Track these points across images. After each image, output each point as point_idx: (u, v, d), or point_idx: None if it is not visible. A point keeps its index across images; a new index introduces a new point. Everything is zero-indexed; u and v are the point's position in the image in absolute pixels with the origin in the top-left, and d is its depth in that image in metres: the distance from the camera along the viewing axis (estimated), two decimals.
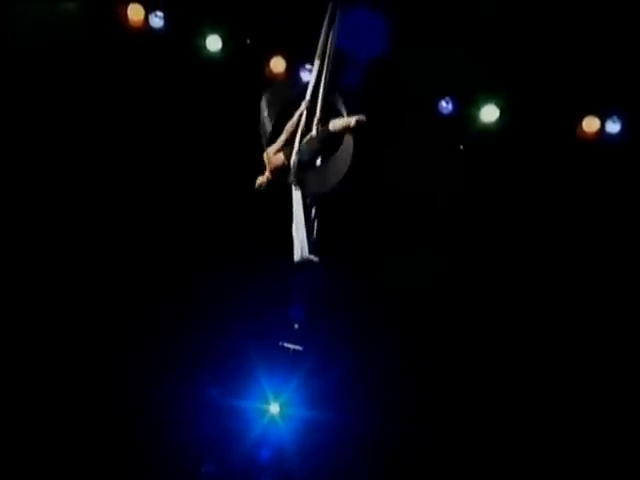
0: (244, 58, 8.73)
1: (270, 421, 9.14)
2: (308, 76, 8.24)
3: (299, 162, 6.05)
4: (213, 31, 8.66)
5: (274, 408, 9.15)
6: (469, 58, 8.46)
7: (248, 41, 8.70)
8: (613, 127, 8.58)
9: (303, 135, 6.14)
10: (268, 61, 8.70)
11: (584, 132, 8.66)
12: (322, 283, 8.34)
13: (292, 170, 6.07)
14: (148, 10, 8.51)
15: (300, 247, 5.97)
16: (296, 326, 9.22)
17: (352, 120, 6.01)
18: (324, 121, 6.16)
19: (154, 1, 8.51)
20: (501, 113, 8.78)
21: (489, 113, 8.80)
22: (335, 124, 6.09)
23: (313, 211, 6.10)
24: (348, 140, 6.19)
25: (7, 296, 8.77)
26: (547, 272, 9.16)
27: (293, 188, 6.09)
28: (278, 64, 8.69)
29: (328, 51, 6.15)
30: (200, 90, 8.83)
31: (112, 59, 8.60)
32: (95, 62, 8.58)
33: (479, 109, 8.82)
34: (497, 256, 9.21)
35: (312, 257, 5.94)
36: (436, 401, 9.22)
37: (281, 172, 6.20)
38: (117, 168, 8.97)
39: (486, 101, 8.79)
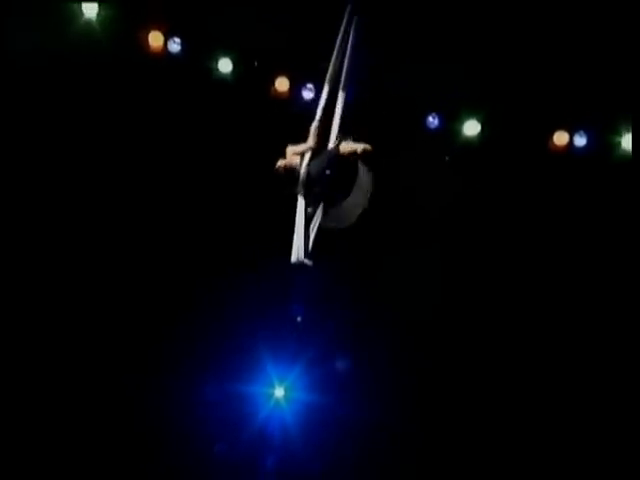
0: (252, 78, 9.02)
1: (276, 404, 9.42)
2: (309, 94, 8.82)
3: (307, 176, 6.00)
4: (224, 55, 8.93)
5: (279, 392, 9.44)
6: (454, 79, 8.74)
7: (256, 63, 9.00)
8: (580, 141, 8.91)
9: (315, 151, 6.09)
10: (273, 81, 9.00)
11: (555, 145, 8.97)
12: (323, 282, 8.74)
13: (300, 181, 6.04)
14: (167, 37, 8.75)
15: (297, 251, 6.03)
16: (299, 319, 9.49)
17: (359, 147, 5.95)
18: (339, 141, 6.02)
19: (172, 29, 8.75)
20: (482, 128, 9.10)
21: (471, 128, 9.11)
22: (345, 147, 6.01)
23: (313, 221, 6.04)
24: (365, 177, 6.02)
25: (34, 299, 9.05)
26: (529, 269, 9.40)
27: (299, 197, 6.08)
28: (282, 84, 8.99)
29: (343, 76, 6.09)
30: (213, 107, 9.07)
31: (135, 81, 8.86)
32: (120, 83, 8.85)
33: (462, 124, 9.12)
34: (487, 255, 9.45)
35: (306, 261, 6.02)
36: (430, 388, 9.43)
37: (293, 172, 6.15)
38: (135, 176, 9.20)
39: (468, 117, 9.10)
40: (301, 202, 6.07)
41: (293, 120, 7.95)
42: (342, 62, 6.12)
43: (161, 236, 9.34)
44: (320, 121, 6.11)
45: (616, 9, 8.33)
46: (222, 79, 9.03)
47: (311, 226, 6.04)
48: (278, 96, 9.05)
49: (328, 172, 5.95)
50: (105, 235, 9.20)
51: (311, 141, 6.10)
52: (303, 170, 6.05)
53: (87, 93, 8.92)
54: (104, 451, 8.99)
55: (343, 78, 6.11)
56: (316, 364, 9.41)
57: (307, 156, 6.07)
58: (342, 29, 6.13)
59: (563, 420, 9.29)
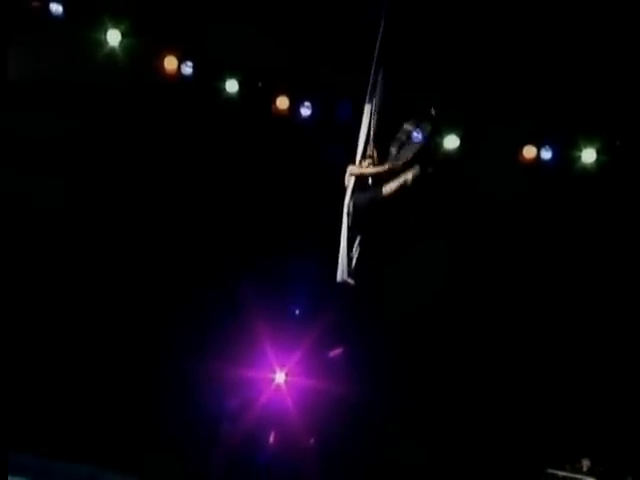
0: (256, 97, 9.67)
1: (276, 387, 10.01)
2: (306, 111, 9.54)
3: (353, 207, 6.40)
4: (231, 77, 9.63)
5: (280, 377, 10.03)
6: (435, 99, 8.88)
7: (259, 84, 9.68)
8: (546, 154, 9.57)
9: (357, 183, 6.48)
10: (275, 99, 9.68)
11: (524, 157, 9.61)
12: (320, 280, 8.86)
13: (346, 211, 6.41)
14: (181, 61, 9.48)
15: (341, 271, 6.43)
16: (297, 312, 10.17)
17: (402, 179, 6.46)
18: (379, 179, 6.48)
19: (185, 54, 9.47)
20: (461, 142, 9.68)
21: (451, 142, 9.70)
22: (387, 187, 6.46)
23: (355, 245, 6.44)
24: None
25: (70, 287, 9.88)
26: (502, 267, 10.07)
27: (344, 224, 6.47)
28: (283, 102, 9.70)
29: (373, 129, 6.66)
30: (221, 122, 9.83)
31: (153, 99, 9.63)
32: (140, 101, 9.65)
33: (444, 139, 9.69)
34: (465, 256, 10.06)
35: (349, 280, 6.45)
36: (419, 375, 10.01)
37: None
38: (156, 184, 9.95)
39: (449, 132, 9.67)
40: (345, 228, 6.53)
41: (292, 134, 9.30)
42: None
43: (174, 241, 10.09)
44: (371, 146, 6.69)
45: (581, 38, 9.11)
46: (229, 98, 9.72)
47: (353, 250, 6.46)
48: (279, 113, 9.75)
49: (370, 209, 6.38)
50: (132, 241, 10.08)
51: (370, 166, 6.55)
52: (347, 203, 6.48)
53: (111, 110, 9.77)
54: (125, 425, 9.68)
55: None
56: (313, 353, 9.98)
57: (349, 191, 6.49)
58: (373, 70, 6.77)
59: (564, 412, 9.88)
